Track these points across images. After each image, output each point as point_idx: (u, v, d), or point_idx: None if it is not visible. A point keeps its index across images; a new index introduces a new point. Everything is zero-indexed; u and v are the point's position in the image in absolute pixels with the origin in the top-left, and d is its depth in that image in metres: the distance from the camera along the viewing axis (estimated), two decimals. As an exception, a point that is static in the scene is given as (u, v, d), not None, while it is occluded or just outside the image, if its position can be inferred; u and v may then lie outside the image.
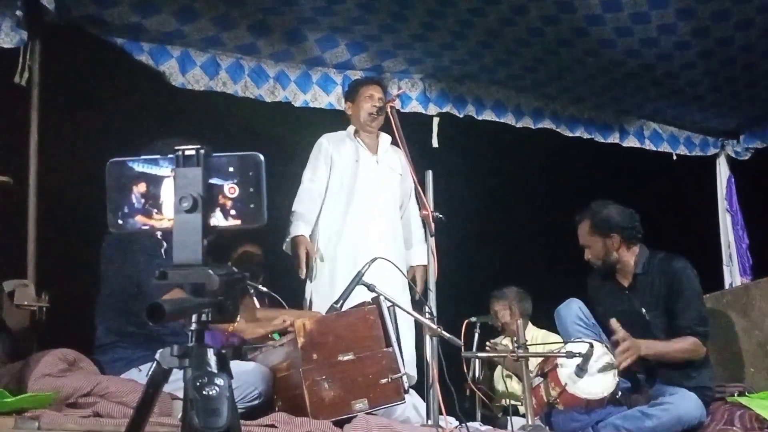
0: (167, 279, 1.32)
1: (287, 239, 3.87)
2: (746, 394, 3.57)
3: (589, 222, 3.57)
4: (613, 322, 3.35)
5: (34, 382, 2.66)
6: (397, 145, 3.56)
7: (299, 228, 3.85)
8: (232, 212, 1.35)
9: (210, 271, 1.31)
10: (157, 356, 1.34)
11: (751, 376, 3.98)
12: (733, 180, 5.60)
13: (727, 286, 5.24)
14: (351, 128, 4.08)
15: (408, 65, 4.65)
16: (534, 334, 4.69)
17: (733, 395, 3.54)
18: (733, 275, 5.39)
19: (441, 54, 4.50)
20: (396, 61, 4.60)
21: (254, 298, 4.30)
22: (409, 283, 3.72)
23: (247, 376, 2.86)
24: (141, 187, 1.37)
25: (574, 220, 3.64)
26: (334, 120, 4.42)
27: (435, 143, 4.77)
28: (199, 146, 1.35)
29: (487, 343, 4.86)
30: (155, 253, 2.80)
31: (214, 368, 1.30)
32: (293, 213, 3.90)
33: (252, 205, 1.35)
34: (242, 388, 2.80)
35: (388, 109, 3.62)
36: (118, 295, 2.92)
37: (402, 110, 4.56)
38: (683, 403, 3.27)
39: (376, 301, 3.00)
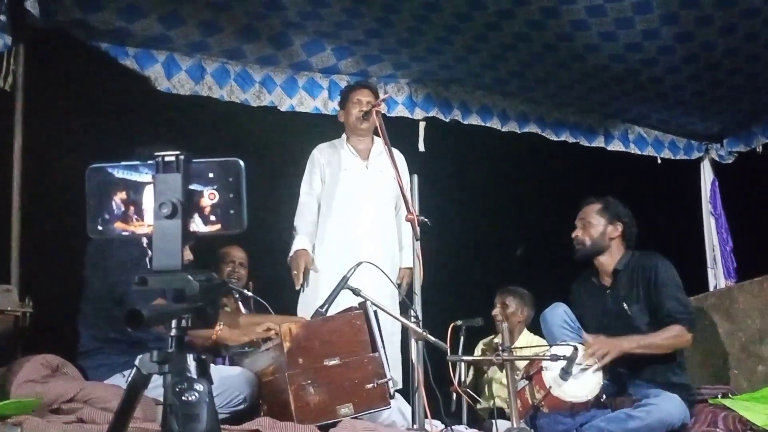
0: (147, 285, 1.32)
1: (290, 254, 3.89)
2: (730, 396, 3.59)
3: (601, 205, 3.66)
4: (584, 335, 3.40)
5: (17, 388, 2.65)
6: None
7: (299, 242, 3.90)
8: (212, 218, 1.35)
9: (190, 276, 1.31)
10: (136, 362, 1.34)
11: (734, 378, 4.01)
12: (717, 183, 5.65)
13: (711, 289, 5.27)
14: (344, 135, 4.10)
15: (394, 70, 4.66)
16: (529, 340, 4.71)
17: (717, 397, 3.56)
18: (717, 278, 5.43)
19: (427, 59, 4.51)
20: (382, 66, 4.61)
21: (239, 303, 4.30)
22: (395, 284, 3.72)
23: (232, 381, 2.86)
24: (121, 194, 1.37)
25: (587, 200, 3.71)
26: (320, 124, 4.43)
27: (421, 147, 4.78)
28: (178, 152, 1.35)
29: (481, 342, 4.88)
30: (140, 263, 2.79)
31: (193, 374, 1.30)
32: (294, 228, 3.96)
33: (232, 211, 1.35)
34: (227, 392, 2.80)
35: (374, 114, 3.62)
36: (102, 301, 2.91)
37: (388, 114, 4.58)
38: (667, 404, 3.29)
39: (362, 306, 3.01)
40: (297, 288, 3.83)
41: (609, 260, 3.63)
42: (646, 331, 3.47)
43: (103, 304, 2.90)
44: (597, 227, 3.63)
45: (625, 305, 3.54)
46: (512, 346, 3.50)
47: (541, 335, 4.14)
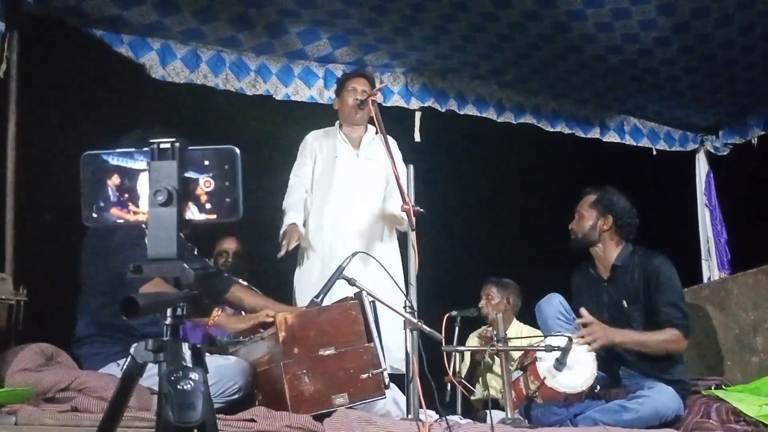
0: (142, 273, 1.31)
1: (281, 231, 3.87)
2: (723, 387, 3.60)
3: (596, 197, 3.67)
4: (582, 311, 3.40)
5: (12, 376, 2.63)
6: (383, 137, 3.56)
7: (289, 218, 3.86)
8: (208, 206, 1.35)
9: (185, 264, 1.30)
10: (131, 350, 1.34)
11: (728, 370, 4.02)
12: (711, 175, 5.64)
13: (705, 280, 5.28)
14: (337, 123, 4.09)
15: (390, 59, 4.64)
16: (519, 330, 4.72)
17: (710, 388, 3.58)
18: (711, 269, 5.44)
19: (423, 48, 4.50)
20: (378, 55, 4.59)
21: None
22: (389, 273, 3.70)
23: (226, 371, 2.85)
24: (116, 181, 1.36)
25: (585, 191, 3.74)
26: (316, 114, 4.42)
27: (417, 137, 4.77)
28: (174, 139, 1.34)
29: (474, 333, 4.88)
30: (140, 243, 2.76)
31: (189, 362, 1.29)
32: (282, 210, 3.92)
33: (228, 199, 1.34)
34: (222, 382, 2.79)
35: (369, 103, 3.61)
36: (101, 285, 2.89)
37: (384, 104, 4.57)
38: (661, 396, 3.30)
39: (358, 296, 3.00)
40: (278, 257, 3.74)
41: (604, 252, 3.64)
42: (639, 329, 3.47)
43: (102, 288, 2.88)
44: (588, 219, 3.65)
45: (624, 303, 3.54)
46: (503, 337, 3.49)
47: (531, 324, 4.16)
